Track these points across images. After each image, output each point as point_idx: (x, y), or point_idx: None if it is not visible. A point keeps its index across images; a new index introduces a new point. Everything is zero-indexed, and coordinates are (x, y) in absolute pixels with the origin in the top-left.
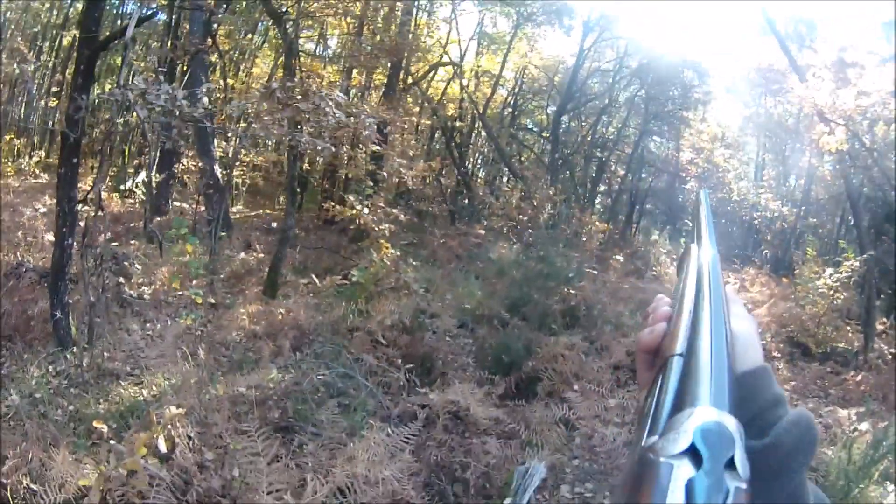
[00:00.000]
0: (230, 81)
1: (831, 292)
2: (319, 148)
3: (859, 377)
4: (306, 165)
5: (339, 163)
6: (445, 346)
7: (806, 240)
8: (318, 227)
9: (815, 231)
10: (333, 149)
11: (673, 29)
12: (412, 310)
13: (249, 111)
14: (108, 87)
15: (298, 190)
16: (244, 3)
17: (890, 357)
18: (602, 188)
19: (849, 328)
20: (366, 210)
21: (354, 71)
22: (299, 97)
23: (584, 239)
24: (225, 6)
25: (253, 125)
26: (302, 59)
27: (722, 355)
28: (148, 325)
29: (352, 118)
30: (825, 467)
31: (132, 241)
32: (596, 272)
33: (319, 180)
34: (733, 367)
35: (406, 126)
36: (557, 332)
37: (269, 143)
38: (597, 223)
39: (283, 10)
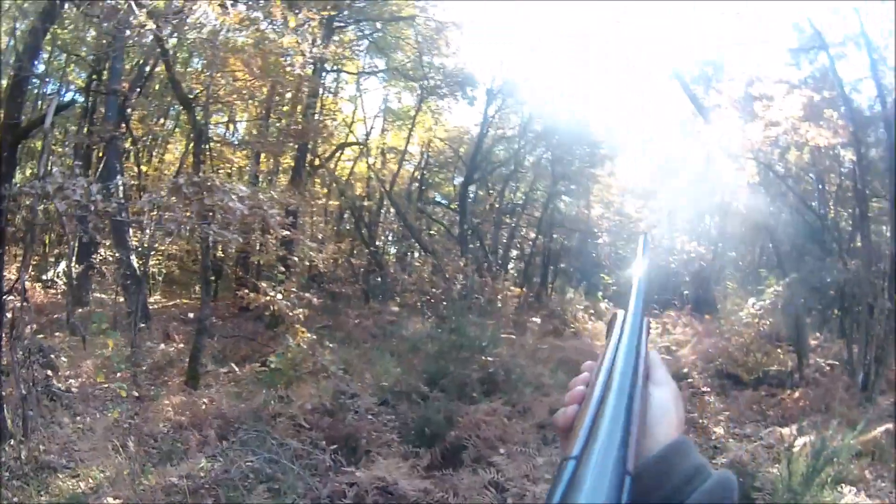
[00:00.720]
0: (143, 168)
1: (756, 320)
2: (228, 239)
3: (797, 394)
4: (220, 253)
5: (251, 249)
6: (368, 425)
7: (725, 275)
8: (234, 315)
9: (735, 265)
10: (241, 240)
11: (577, 88)
12: (332, 392)
13: (160, 204)
14: (28, 170)
15: (213, 278)
16: (157, 87)
17: (827, 368)
18: (514, 253)
19: (779, 351)
20: (279, 296)
21: (262, 155)
22: (205, 192)
23: (500, 305)
24: (139, 90)
25: (164, 217)
26: (212, 144)
27: (616, 455)
28: (78, 417)
29: (256, 209)
30: (770, 486)
31: (56, 333)
32: (513, 337)
33: (233, 268)
34: (643, 449)
35: (315, 209)
36: (478, 399)
37: (184, 232)
38: (511, 288)
39: (193, 94)
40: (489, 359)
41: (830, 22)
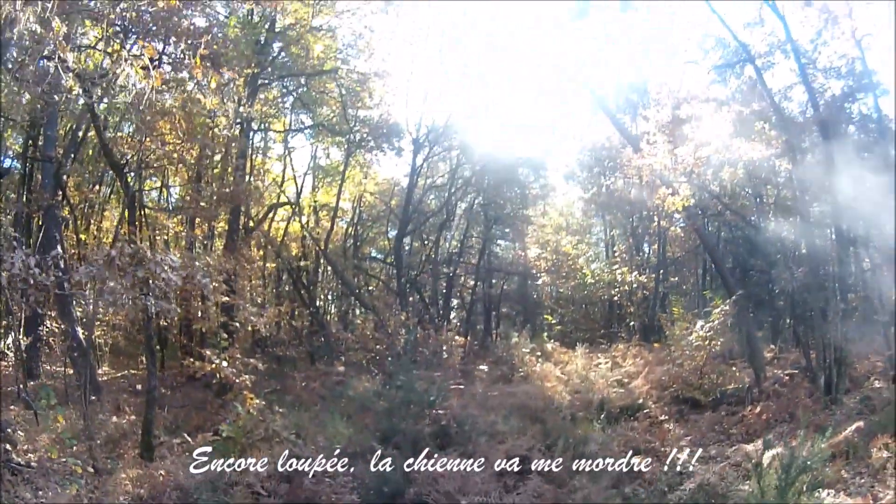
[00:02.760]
0: (82, 236)
1: (706, 342)
2: (167, 309)
3: (758, 409)
4: (163, 322)
5: (193, 317)
6: (327, 488)
7: (670, 301)
8: (182, 384)
9: (678, 289)
10: (179, 310)
11: (502, 130)
12: (286, 457)
13: (98, 276)
14: None
15: (158, 347)
16: (90, 152)
17: (787, 378)
18: (455, 302)
19: (734, 368)
20: (224, 363)
21: (197, 220)
22: (138, 263)
23: (445, 356)
24: (73, 156)
25: (103, 290)
26: (147, 211)
27: None
28: (39, 492)
29: (190, 279)
30: (747, 496)
31: (12, 407)
32: (462, 387)
33: (177, 335)
34: None
35: (252, 272)
36: (433, 453)
37: (125, 302)
38: (455, 338)
39: (125, 160)
40: (439, 412)
41: (754, 33)
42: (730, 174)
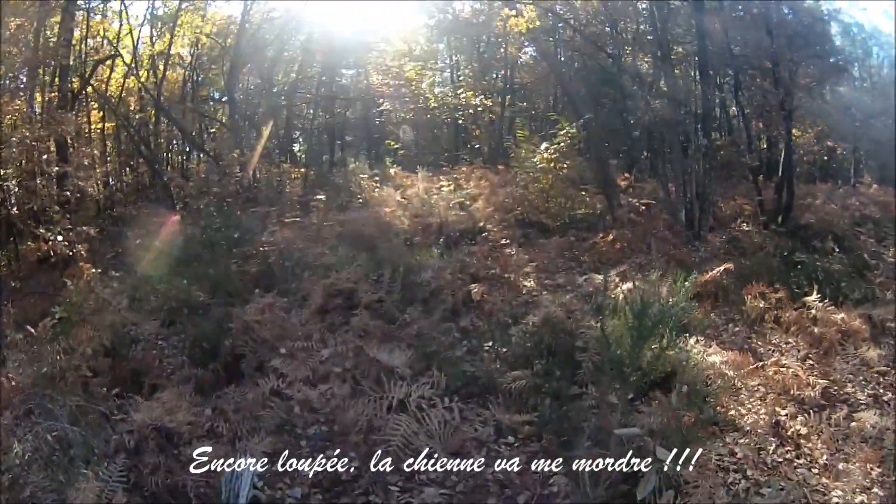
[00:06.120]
0: None
1: (553, 165)
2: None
3: (612, 236)
4: (14, 210)
5: (34, 197)
6: (157, 353)
7: (517, 125)
8: (36, 271)
9: (527, 114)
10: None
11: None
12: (113, 328)
13: None
14: None
15: (12, 237)
16: None
17: (643, 208)
18: (297, 134)
19: (584, 193)
20: (59, 237)
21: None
22: None
23: (288, 189)
24: None
25: None
26: None
27: None
28: None
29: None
30: (595, 344)
31: None
32: (298, 219)
33: (26, 221)
34: None
35: (91, 134)
36: (252, 298)
37: None
38: (292, 170)
39: None
40: (268, 249)
41: None
42: (582, 3)
